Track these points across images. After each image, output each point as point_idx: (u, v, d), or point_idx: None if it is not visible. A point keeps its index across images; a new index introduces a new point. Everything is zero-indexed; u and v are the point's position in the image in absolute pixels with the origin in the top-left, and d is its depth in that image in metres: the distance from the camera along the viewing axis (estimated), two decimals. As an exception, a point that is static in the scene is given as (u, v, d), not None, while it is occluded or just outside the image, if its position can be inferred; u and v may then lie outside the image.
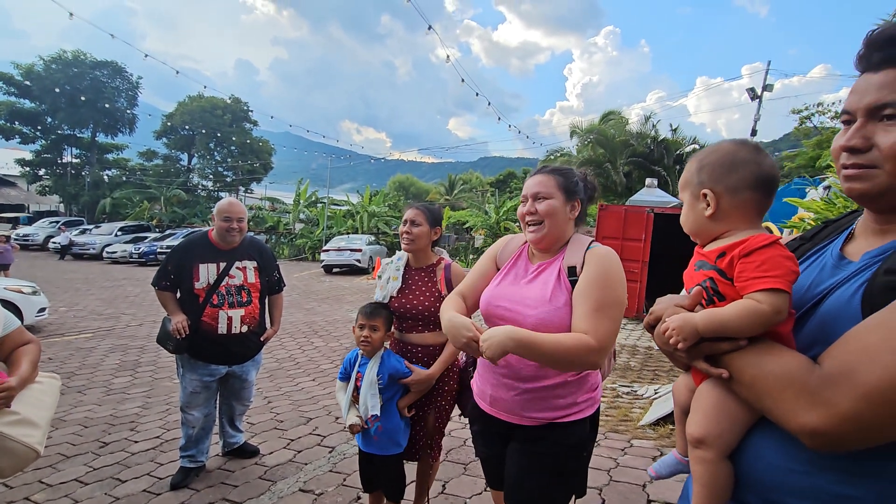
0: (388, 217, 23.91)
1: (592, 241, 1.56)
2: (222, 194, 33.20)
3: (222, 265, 2.92)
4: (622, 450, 3.50)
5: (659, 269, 8.66)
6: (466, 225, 22.70)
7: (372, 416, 2.08)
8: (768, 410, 0.74)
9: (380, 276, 2.37)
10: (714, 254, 0.88)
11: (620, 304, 1.44)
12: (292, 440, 3.61)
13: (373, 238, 20.11)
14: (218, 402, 3.20)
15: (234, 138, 34.50)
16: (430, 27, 10.85)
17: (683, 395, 0.98)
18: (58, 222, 25.95)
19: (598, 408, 1.65)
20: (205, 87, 33.40)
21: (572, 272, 1.48)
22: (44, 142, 31.93)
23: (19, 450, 1.60)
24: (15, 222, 28.87)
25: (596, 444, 1.74)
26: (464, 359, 2.31)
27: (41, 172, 32.91)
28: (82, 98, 29.31)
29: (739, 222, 0.90)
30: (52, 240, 22.51)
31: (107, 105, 31.20)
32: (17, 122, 30.68)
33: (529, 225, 1.56)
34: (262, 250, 3.16)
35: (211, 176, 36.02)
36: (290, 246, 23.86)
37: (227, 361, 2.98)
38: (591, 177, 1.66)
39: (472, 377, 2.22)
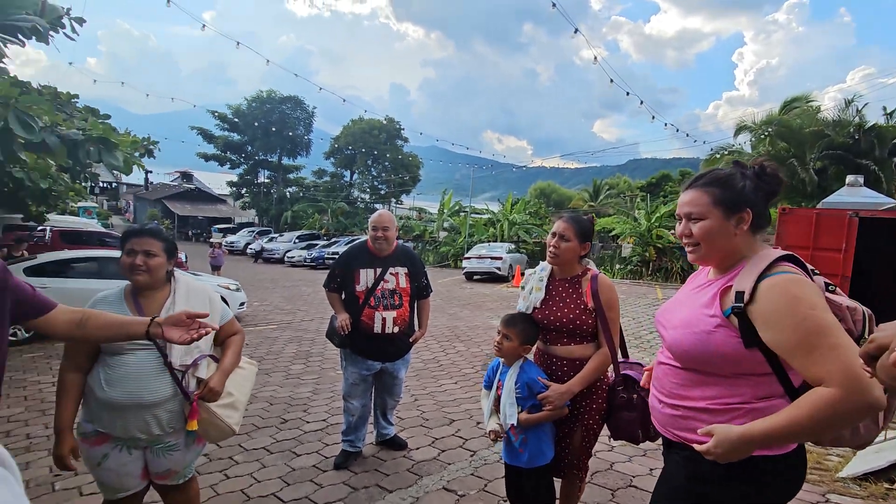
0: (529, 225, 23.73)
1: (775, 260, 1.26)
2: (377, 206, 36.78)
3: (378, 271, 3.21)
4: (814, 504, 2.90)
5: (866, 286, 7.02)
6: (613, 232, 21.30)
7: (511, 425, 2.05)
8: None
9: (522, 287, 2.33)
10: None
11: (829, 326, 1.13)
12: (436, 439, 3.78)
13: (513, 246, 20.17)
14: (373, 395, 3.51)
15: (387, 154, 38.08)
16: (576, 30, 10.53)
17: None
18: (253, 232, 31.59)
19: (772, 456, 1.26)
20: (364, 111, 37.81)
21: (739, 298, 1.24)
22: (245, 166, 39.79)
23: (223, 427, 1.99)
24: (225, 232, 35.84)
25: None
26: (613, 376, 2.15)
27: (243, 191, 40.95)
28: (272, 128, 35.79)
29: None
30: (249, 246, 27.51)
31: (290, 133, 37.56)
32: (228, 152, 38.86)
33: (686, 246, 1.41)
34: (412, 258, 3.39)
35: (368, 189, 40.20)
36: (434, 253, 25.25)
37: (381, 358, 3.26)
38: (769, 165, 1.36)
39: (621, 398, 2.06)
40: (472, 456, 3.50)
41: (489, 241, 21.57)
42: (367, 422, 3.45)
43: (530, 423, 2.06)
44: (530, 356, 2.22)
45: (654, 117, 16.79)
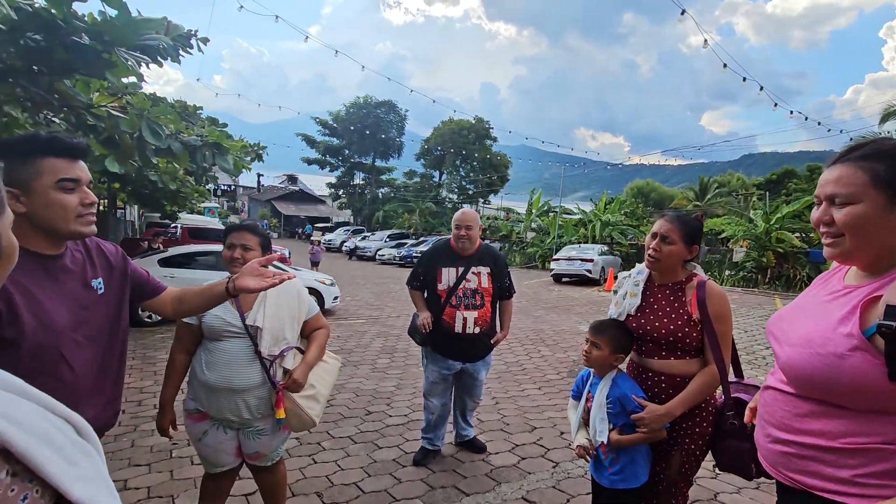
0: (624, 226, 22.40)
1: None
2: (465, 206, 37.17)
3: (461, 269, 3.16)
4: None
5: None
6: (722, 235, 19.29)
7: (600, 442, 1.87)
8: None
9: (615, 291, 2.11)
10: None
11: None
12: (517, 445, 3.65)
13: (606, 248, 19.15)
14: (453, 395, 3.48)
15: (476, 154, 38.31)
16: (683, 11, 9.66)
17: None
18: (348, 230, 33.55)
19: None
20: (454, 111, 38.33)
21: (890, 314, 0.95)
22: (342, 168, 42.51)
23: (305, 418, 2.07)
24: (324, 231, 38.53)
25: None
26: (721, 398, 1.88)
27: (340, 192, 43.75)
28: (367, 132, 37.71)
29: None
30: (344, 244, 29.21)
31: (382, 136, 39.40)
32: (327, 155, 41.77)
33: (824, 237, 1.12)
34: (496, 258, 3.30)
35: (456, 189, 40.77)
36: (521, 254, 24.87)
37: (462, 358, 3.21)
38: None
39: (731, 424, 1.78)
40: (554, 467, 3.32)
41: (579, 243, 20.71)
42: (447, 421, 3.43)
43: (622, 444, 1.86)
44: (623, 367, 2.02)
45: (776, 105, 14.89)
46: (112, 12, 2.58)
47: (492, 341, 3.25)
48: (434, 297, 3.20)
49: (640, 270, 2.05)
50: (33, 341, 1.18)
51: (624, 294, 2.03)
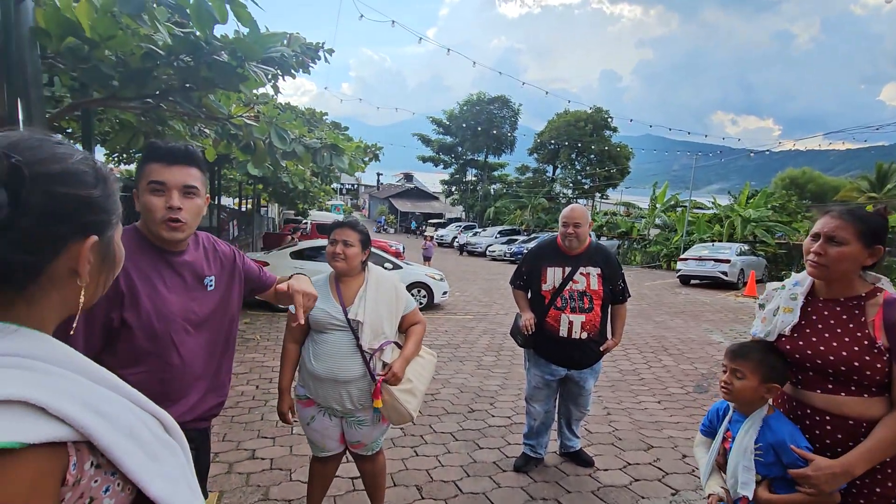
0: (771, 222, 19.41)
1: None
2: (580, 201, 35.58)
3: (567, 270, 2.95)
4: None
5: None
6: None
7: (742, 496, 1.49)
8: None
9: (761, 305, 1.71)
10: None
11: None
12: (629, 464, 3.32)
13: (746, 247, 16.76)
14: (557, 402, 3.28)
15: (593, 147, 36.34)
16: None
17: None
18: (460, 226, 34.22)
19: None
20: (569, 101, 36.79)
21: None
22: (455, 165, 43.49)
23: (402, 411, 2.08)
24: (437, 226, 39.85)
25: None
26: None
27: (453, 189, 44.78)
28: (479, 129, 38.00)
29: None
30: (456, 240, 29.83)
31: (495, 132, 39.30)
32: (441, 153, 43.09)
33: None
34: (607, 258, 3.02)
35: (571, 184, 39.17)
36: (642, 253, 23.02)
37: (567, 364, 2.99)
38: None
39: None
40: (673, 495, 2.94)
41: (713, 241, 18.48)
42: (551, 429, 3.24)
43: None
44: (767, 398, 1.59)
45: None
46: (244, 30, 2.88)
47: (601, 348, 2.98)
48: (538, 298, 3.03)
49: (798, 281, 1.63)
50: (149, 325, 1.32)
51: (775, 309, 1.62)
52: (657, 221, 24.82)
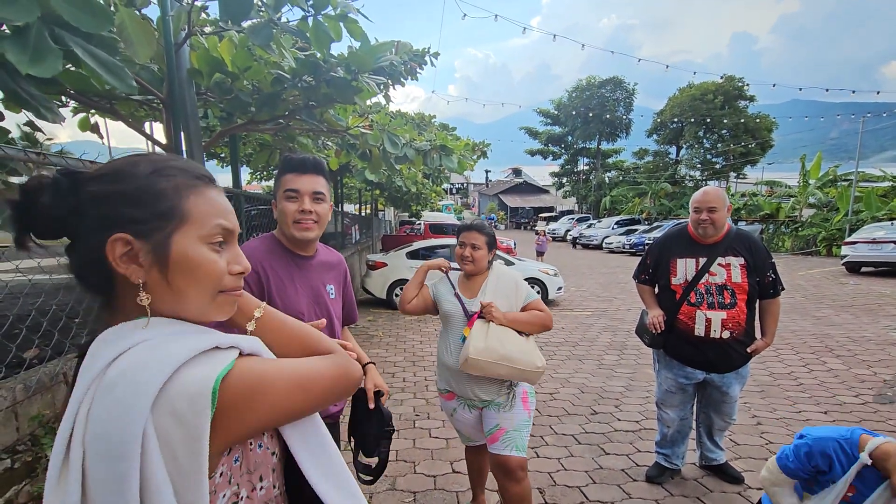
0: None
1: None
2: (710, 183, 31.90)
3: (702, 261, 2.61)
4: None
5: None
6: None
7: None
8: None
9: None
10: None
11: None
12: (790, 484, 2.85)
13: (938, 225, 13.54)
14: (695, 409, 2.94)
15: (724, 121, 32.23)
16: None
17: None
18: (573, 219, 32.86)
19: None
20: (694, 73, 33.28)
21: None
22: (566, 156, 41.68)
23: (484, 365, 1.97)
24: (548, 220, 38.77)
25: None
26: None
27: (564, 180, 43.07)
28: (590, 115, 35.93)
29: None
30: (569, 233, 28.69)
31: (608, 116, 36.88)
32: (550, 145, 41.67)
33: None
34: (752, 246, 2.61)
35: (699, 165, 35.26)
36: (793, 237, 19.85)
37: (705, 367, 2.66)
38: None
39: None
40: (852, 526, 2.45)
41: (891, 219, 15.24)
42: (688, 437, 2.92)
43: None
44: None
45: None
46: (356, 44, 3.06)
47: (748, 350, 2.60)
48: (667, 293, 2.74)
49: None
50: None
51: None
52: (811, 200, 21.21)
